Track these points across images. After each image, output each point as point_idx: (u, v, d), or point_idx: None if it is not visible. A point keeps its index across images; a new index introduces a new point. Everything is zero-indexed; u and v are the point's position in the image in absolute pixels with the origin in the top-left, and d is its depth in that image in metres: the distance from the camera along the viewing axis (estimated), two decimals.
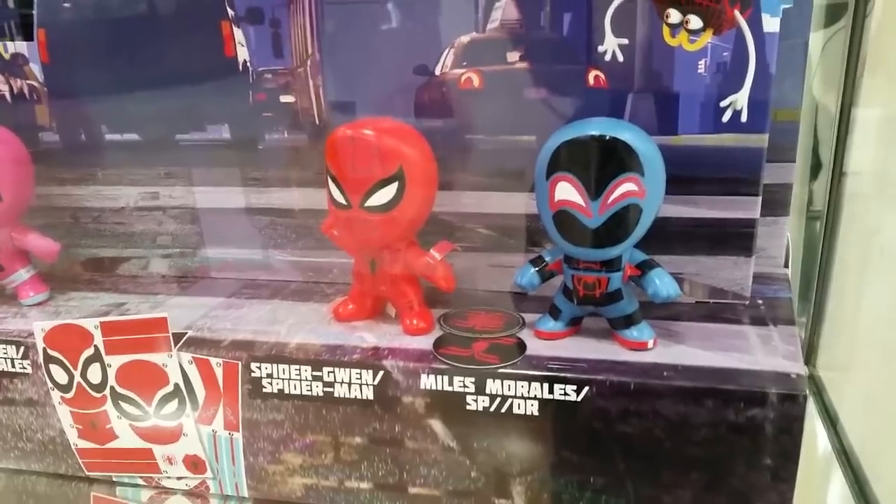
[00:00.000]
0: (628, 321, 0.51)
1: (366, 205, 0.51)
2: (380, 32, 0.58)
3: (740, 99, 0.54)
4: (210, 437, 0.54)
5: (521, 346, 0.51)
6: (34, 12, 0.63)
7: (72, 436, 0.57)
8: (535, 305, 0.57)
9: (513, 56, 0.56)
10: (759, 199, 0.56)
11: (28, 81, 0.64)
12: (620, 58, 0.54)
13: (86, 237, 0.68)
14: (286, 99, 0.60)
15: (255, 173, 0.63)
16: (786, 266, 0.67)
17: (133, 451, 0.56)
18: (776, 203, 0.61)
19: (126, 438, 0.56)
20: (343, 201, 0.51)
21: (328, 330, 0.55)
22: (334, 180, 0.51)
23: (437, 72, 0.57)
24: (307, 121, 0.61)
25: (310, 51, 0.59)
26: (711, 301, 0.58)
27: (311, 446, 0.53)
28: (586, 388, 0.47)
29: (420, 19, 0.57)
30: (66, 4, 0.63)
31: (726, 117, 0.54)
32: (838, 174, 0.69)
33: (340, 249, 0.58)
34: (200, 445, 0.54)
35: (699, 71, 0.54)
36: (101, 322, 0.53)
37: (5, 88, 0.64)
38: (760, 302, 0.58)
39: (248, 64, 0.60)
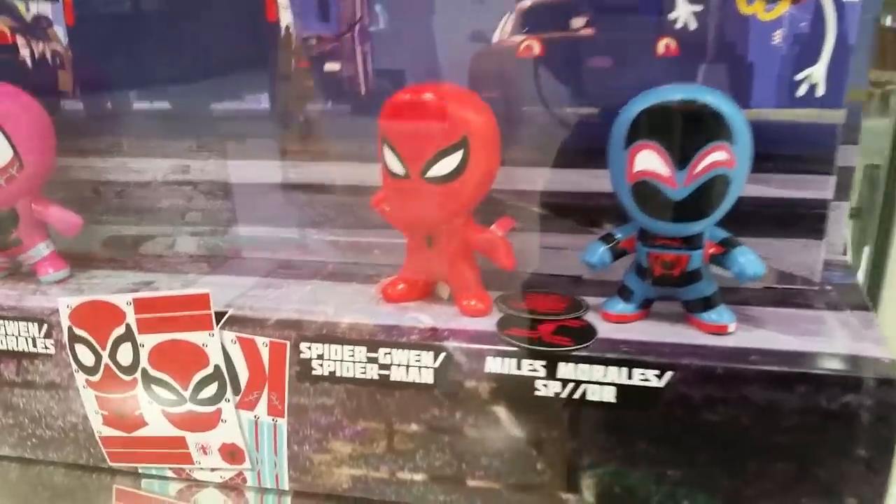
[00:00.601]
0: (707, 303, 0.47)
1: (427, 175, 0.47)
2: None
3: (816, 72, 0.51)
4: (251, 424, 0.50)
5: (592, 328, 0.48)
6: None
7: (96, 423, 0.53)
8: (593, 290, 0.53)
9: (577, 22, 0.53)
10: (833, 178, 0.53)
11: (51, 45, 0.60)
12: (693, 26, 0.51)
13: (108, 213, 0.63)
14: (331, 67, 0.56)
15: (294, 146, 0.59)
16: (844, 253, 0.64)
17: (164, 439, 0.52)
18: (838, 186, 0.58)
19: (157, 426, 0.52)
20: (401, 171, 0.47)
21: (379, 310, 0.51)
22: (392, 149, 0.47)
23: (495, 39, 0.53)
24: (352, 90, 0.57)
25: (358, 15, 0.55)
26: (779, 286, 0.55)
27: (363, 434, 0.49)
28: (669, 374, 0.43)
29: None
30: None
31: (801, 91, 0.51)
32: None
33: (384, 228, 0.55)
34: (240, 433, 0.50)
35: (774, 42, 0.50)
36: (134, 298, 0.49)
37: (26, 52, 0.59)
38: (829, 287, 0.55)
39: (291, 29, 0.56)
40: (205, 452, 0.52)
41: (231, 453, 0.52)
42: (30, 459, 0.57)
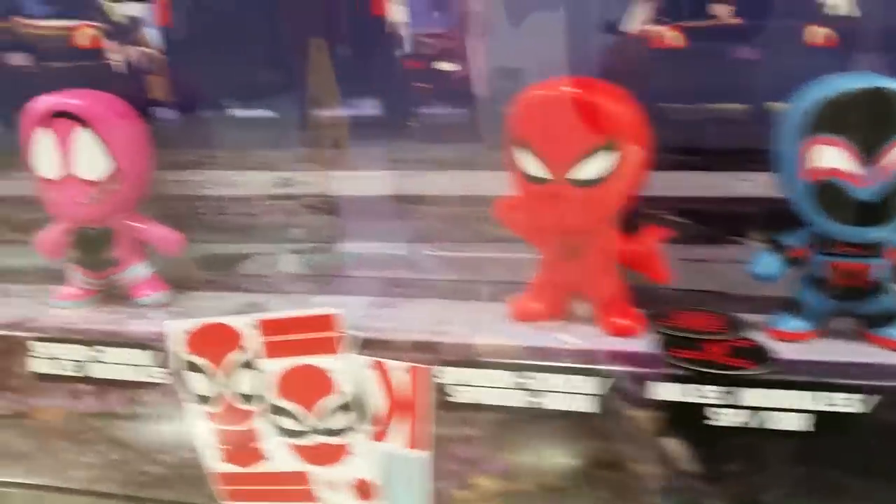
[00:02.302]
0: (894, 318, 0.43)
1: (573, 177, 0.43)
2: None
3: None
4: (386, 458, 0.47)
5: (766, 348, 0.44)
6: None
7: (211, 458, 0.50)
8: (741, 306, 0.50)
9: (721, 9, 0.49)
10: None
11: (143, 49, 0.57)
12: (852, 12, 0.47)
13: (202, 231, 0.61)
14: (445, 66, 0.53)
15: (405, 154, 0.55)
16: None
17: (286, 475, 0.49)
18: None
19: (279, 460, 0.49)
20: (542, 174, 0.44)
21: (517, 331, 0.48)
22: (531, 151, 0.44)
23: (629, 29, 0.50)
24: (468, 91, 0.53)
25: (476, 8, 0.52)
26: None
27: (511, 469, 0.45)
28: (878, 398, 0.39)
29: None
30: None
31: None
32: None
33: (501, 242, 0.53)
34: (373, 468, 0.47)
35: None
36: (258, 320, 0.46)
37: (116, 58, 0.57)
38: None
39: (402, 25, 0.53)
40: (332, 489, 0.49)
41: (361, 490, 0.48)
42: (138, 498, 0.54)
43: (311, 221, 0.60)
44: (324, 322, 0.46)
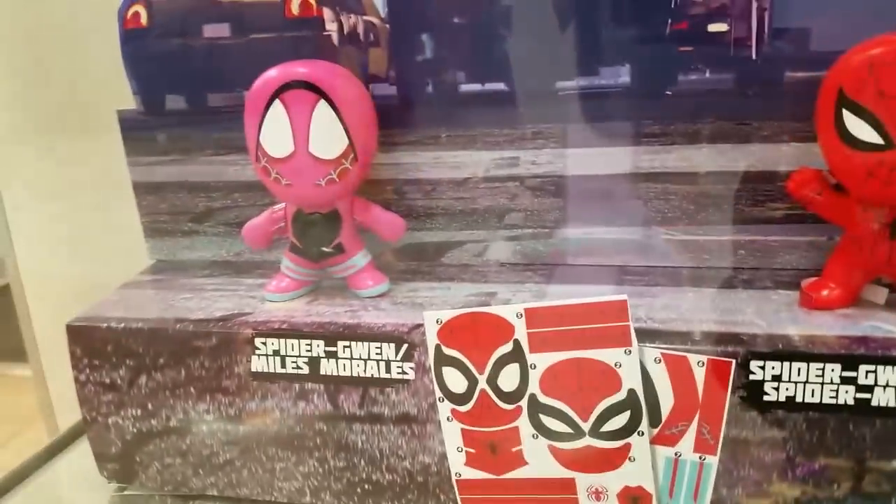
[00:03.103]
0: None
1: None
2: None
3: None
4: (669, 463, 0.43)
5: None
6: None
7: (456, 463, 0.46)
8: None
9: None
10: None
11: (365, 17, 0.54)
12: None
13: (410, 216, 0.57)
14: (716, 28, 0.49)
15: (655, 127, 0.51)
16: None
17: (545, 482, 0.45)
18: None
19: (539, 466, 0.45)
20: (880, 141, 0.40)
21: (819, 320, 0.43)
22: (866, 114, 0.40)
23: None
24: (740, 55, 0.49)
25: None
26: None
27: (821, 473, 0.40)
28: None
29: None
30: None
31: None
32: None
33: (752, 224, 0.51)
34: (651, 474, 0.43)
35: None
36: (526, 309, 0.42)
37: (333, 27, 0.54)
38: None
39: None
40: (598, 498, 0.45)
41: (634, 499, 0.44)
42: None
43: (533, 204, 0.56)
44: (612, 311, 0.42)
